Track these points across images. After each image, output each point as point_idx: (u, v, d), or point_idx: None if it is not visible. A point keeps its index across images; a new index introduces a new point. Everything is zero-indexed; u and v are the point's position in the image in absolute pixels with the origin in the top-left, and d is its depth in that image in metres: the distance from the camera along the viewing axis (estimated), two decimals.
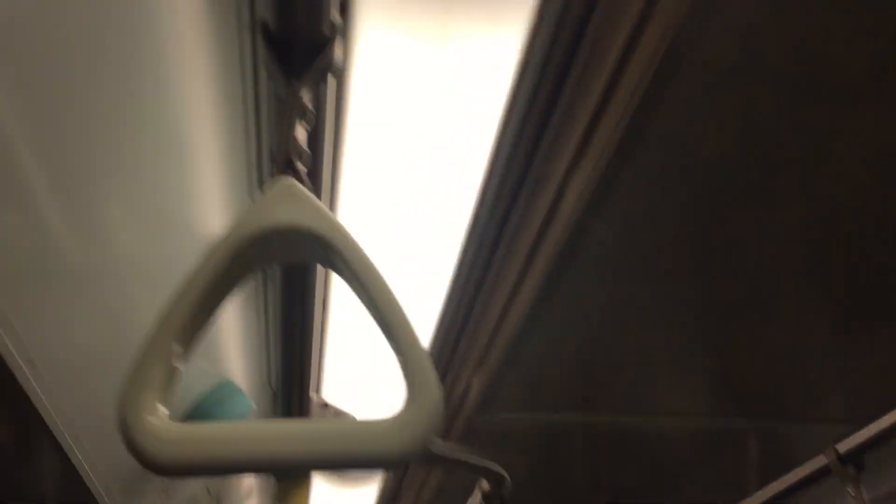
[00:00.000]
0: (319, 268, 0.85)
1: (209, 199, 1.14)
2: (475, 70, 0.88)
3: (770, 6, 0.94)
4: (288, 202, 0.47)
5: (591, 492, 2.24)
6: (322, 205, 0.47)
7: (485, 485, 1.30)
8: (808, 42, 0.97)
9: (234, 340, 1.39)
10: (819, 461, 1.23)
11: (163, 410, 0.44)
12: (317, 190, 0.63)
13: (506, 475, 1.28)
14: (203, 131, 1.04)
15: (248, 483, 1.76)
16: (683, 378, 1.72)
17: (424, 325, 1.46)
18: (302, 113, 0.52)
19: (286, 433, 0.43)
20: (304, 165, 0.51)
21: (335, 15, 0.53)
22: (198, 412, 1.19)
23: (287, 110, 0.51)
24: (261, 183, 1.12)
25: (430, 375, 0.44)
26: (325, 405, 1.28)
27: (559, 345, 1.69)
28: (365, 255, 0.46)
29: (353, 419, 0.45)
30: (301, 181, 0.49)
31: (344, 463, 0.43)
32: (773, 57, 1.01)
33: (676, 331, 1.57)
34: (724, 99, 1.08)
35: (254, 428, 0.44)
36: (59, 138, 0.82)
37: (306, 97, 0.52)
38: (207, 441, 0.43)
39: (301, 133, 0.51)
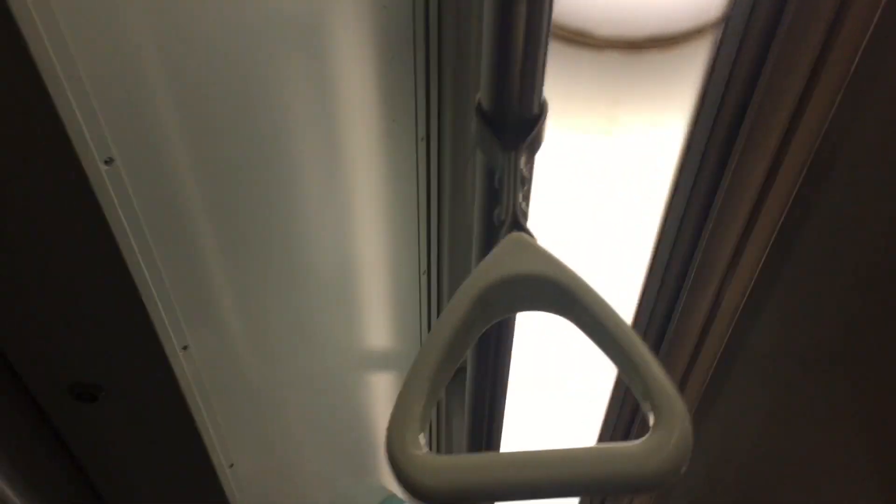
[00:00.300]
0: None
1: (373, 316, 1.22)
2: (641, 157, 0.94)
3: None
4: (523, 254, 0.53)
5: None
6: (555, 255, 0.53)
7: None
8: None
9: None
10: None
11: (425, 444, 0.48)
12: None
13: None
14: (369, 249, 1.12)
15: None
16: (863, 487, 1.63)
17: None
18: (522, 180, 0.58)
19: (545, 459, 0.46)
20: (526, 225, 0.57)
21: (543, 95, 0.61)
22: None
23: (509, 178, 0.58)
24: (429, 299, 1.19)
25: (678, 402, 0.47)
26: None
27: (721, 463, 1.65)
28: (601, 296, 0.51)
29: (599, 447, 0.48)
30: (530, 236, 0.54)
31: (605, 485, 0.46)
32: None
33: (851, 430, 1.51)
34: (884, 184, 1.10)
35: (513, 456, 0.47)
36: (247, 271, 0.92)
37: (524, 166, 0.59)
38: (472, 470, 0.47)
39: (520, 197, 0.58)
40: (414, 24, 0.89)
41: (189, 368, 0.83)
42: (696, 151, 0.99)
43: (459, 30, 0.93)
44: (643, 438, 0.47)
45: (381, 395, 1.32)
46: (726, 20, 0.87)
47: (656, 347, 1.31)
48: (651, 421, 0.48)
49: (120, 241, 0.67)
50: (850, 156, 1.06)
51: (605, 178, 0.95)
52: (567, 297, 0.52)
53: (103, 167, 0.63)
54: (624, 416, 1.39)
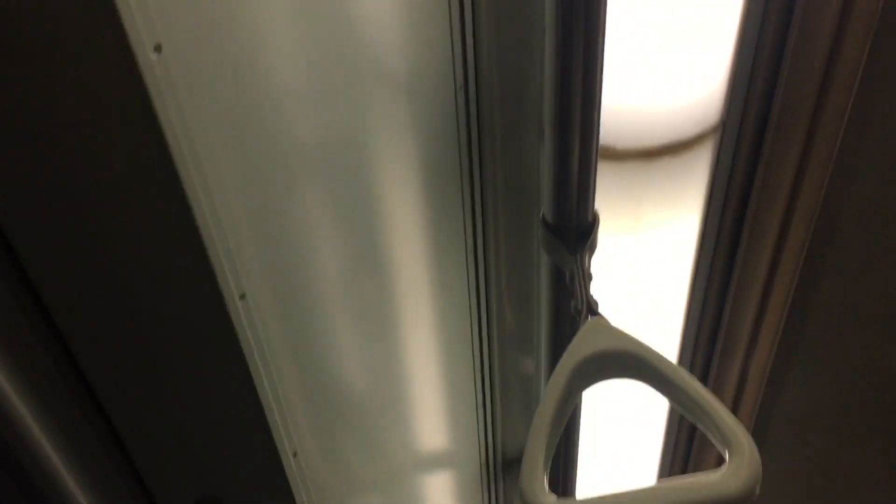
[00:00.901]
0: None
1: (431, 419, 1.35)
2: (663, 249, 1.11)
3: None
4: (606, 334, 0.69)
5: None
6: (630, 333, 0.69)
7: None
8: None
9: None
10: None
11: (550, 492, 0.63)
12: None
13: None
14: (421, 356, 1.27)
15: None
16: None
17: None
18: (588, 276, 0.74)
19: (650, 494, 0.61)
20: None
21: (595, 210, 0.78)
22: None
23: (578, 274, 0.74)
24: (484, 395, 1.33)
25: (746, 435, 0.62)
26: None
27: None
28: (671, 362, 0.66)
29: (686, 478, 0.62)
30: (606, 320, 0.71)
31: None
32: None
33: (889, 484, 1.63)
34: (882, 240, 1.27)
35: (623, 496, 0.62)
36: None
37: (587, 264, 0.75)
38: None
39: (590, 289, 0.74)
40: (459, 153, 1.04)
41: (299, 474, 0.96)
42: (711, 238, 1.17)
43: (497, 153, 1.08)
44: (722, 467, 0.61)
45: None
46: (723, 124, 1.05)
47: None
48: (726, 454, 0.63)
49: (249, 360, 0.83)
50: (848, 217, 1.23)
51: (633, 271, 1.12)
52: (645, 365, 0.67)
53: (239, 301, 0.79)
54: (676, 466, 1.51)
